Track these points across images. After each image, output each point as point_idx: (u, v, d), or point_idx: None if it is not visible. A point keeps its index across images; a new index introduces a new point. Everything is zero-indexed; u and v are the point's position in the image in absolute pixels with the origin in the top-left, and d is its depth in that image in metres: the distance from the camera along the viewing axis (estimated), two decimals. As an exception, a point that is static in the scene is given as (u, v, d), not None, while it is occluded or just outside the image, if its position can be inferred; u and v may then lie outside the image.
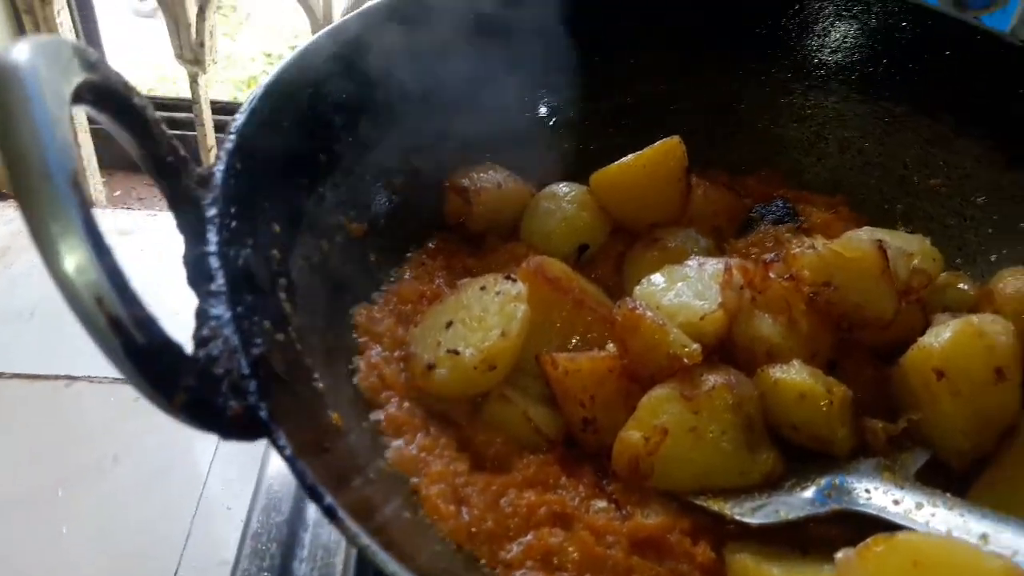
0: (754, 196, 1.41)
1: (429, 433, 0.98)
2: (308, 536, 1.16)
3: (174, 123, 3.15)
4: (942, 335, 0.98)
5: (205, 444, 2.00)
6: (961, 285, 1.23)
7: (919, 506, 0.88)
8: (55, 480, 1.93)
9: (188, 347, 0.69)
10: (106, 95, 0.71)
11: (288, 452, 0.67)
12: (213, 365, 0.68)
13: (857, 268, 1.02)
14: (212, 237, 0.78)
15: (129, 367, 0.58)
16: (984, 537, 0.83)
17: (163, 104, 3.28)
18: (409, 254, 1.23)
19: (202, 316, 0.73)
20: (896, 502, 0.90)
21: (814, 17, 1.39)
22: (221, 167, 0.84)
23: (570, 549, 0.90)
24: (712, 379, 0.96)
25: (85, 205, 0.56)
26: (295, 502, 1.18)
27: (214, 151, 2.37)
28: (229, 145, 0.87)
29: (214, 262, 0.76)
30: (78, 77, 0.66)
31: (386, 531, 0.78)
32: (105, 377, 2.03)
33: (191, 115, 2.69)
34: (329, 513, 0.65)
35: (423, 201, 1.24)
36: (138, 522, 1.84)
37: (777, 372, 0.97)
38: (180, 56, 2.29)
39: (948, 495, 0.90)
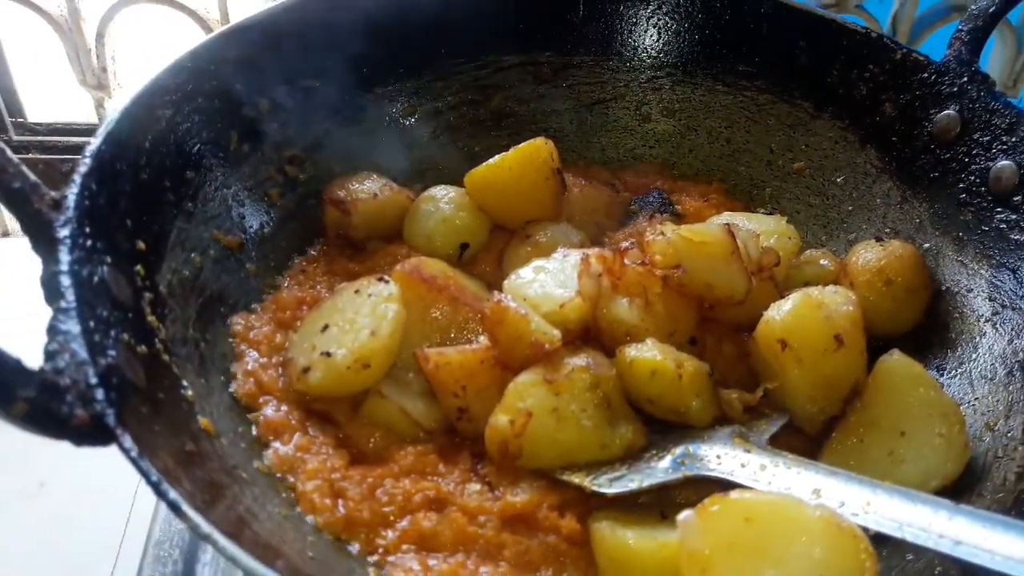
0: (633, 189, 1.48)
1: (307, 433, 1.02)
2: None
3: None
4: (784, 308, 1.05)
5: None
6: (823, 261, 1.31)
7: (763, 468, 0.95)
8: (-22, 510, 1.89)
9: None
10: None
11: (133, 453, 0.70)
12: (59, 376, 0.72)
13: (706, 251, 1.08)
14: (63, 257, 0.81)
15: (-42, 382, 0.61)
16: (816, 491, 0.90)
17: (80, 130, 3.25)
18: (292, 261, 1.26)
19: (52, 331, 0.76)
20: (743, 465, 0.96)
21: (672, 16, 1.46)
22: (74, 190, 0.87)
23: (443, 531, 0.95)
24: (572, 362, 1.01)
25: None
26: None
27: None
28: (83, 168, 0.90)
29: (65, 280, 0.79)
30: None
31: (251, 526, 0.82)
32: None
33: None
34: (172, 506, 0.69)
35: (303, 210, 1.28)
36: (66, 546, 1.84)
37: (632, 351, 1.03)
38: (83, 82, 2.29)
39: (789, 456, 0.96)
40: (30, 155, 3.17)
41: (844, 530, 0.81)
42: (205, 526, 0.67)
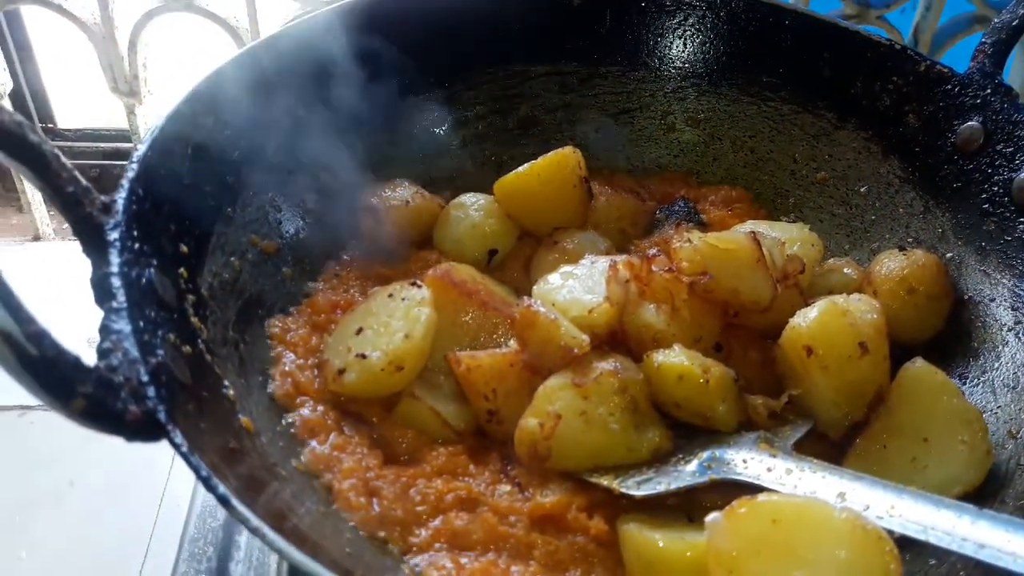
0: (658, 198, 1.50)
1: (343, 433, 1.05)
2: (243, 539, 1.21)
3: (120, 154, 3.18)
4: (809, 315, 1.07)
5: (160, 464, 2.05)
6: (846, 270, 1.32)
7: (788, 472, 0.97)
8: (13, 507, 1.96)
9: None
10: (2, 136, 0.77)
11: (184, 448, 0.73)
12: (113, 374, 0.75)
13: (732, 258, 1.11)
14: (114, 259, 0.84)
15: (24, 376, 0.64)
16: (841, 495, 0.91)
17: (109, 136, 3.31)
18: (327, 266, 1.29)
19: (104, 331, 0.79)
20: (769, 469, 0.98)
21: (697, 28, 1.48)
22: (123, 194, 0.90)
23: (475, 530, 0.97)
24: (600, 367, 1.04)
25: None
26: (229, 510, 1.24)
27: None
28: (131, 173, 0.93)
29: (115, 281, 0.82)
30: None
31: (291, 521, 0.85)
32: (53, 405, 2.03)
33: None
34: (223, 501, 0.71)
35: (337, 216, 1.31)
36: (97, 543, 1.87)
37: (659, 356, 1.05)
38: (115, 89, 2.33)
39: (814, 460, 0.98)
40: (60, 160, 3.20)
41: (869, 532, 0.82)
42: (255, 520, 0.70)
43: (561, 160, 1.29)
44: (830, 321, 1.06)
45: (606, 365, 1.04)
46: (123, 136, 3.15)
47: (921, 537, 0.84)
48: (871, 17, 2.22)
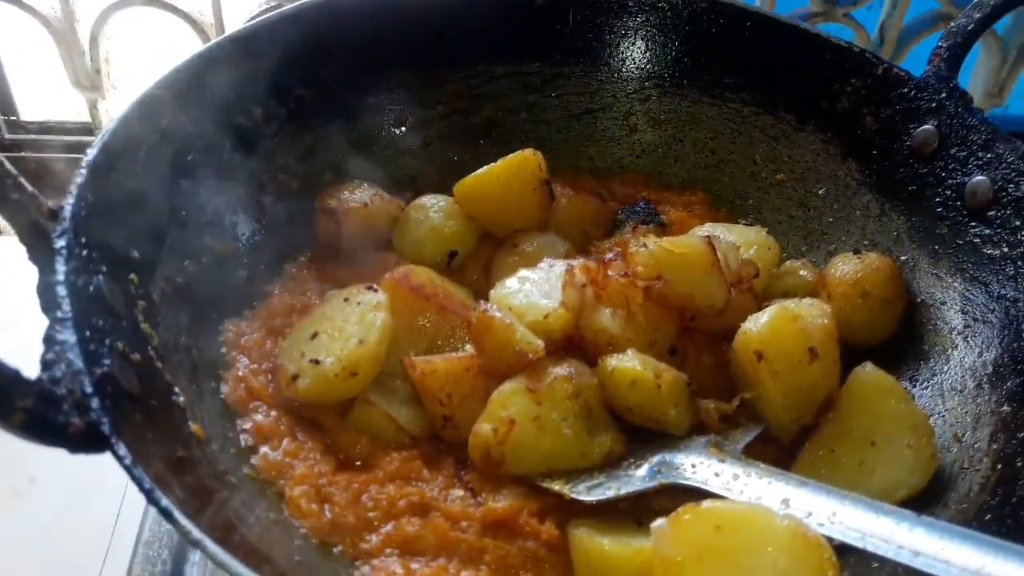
0: (620, 198, 1.51)
1: (296, 439, 1.05)
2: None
3: (83, 147, 3.13)
4: (760, 320, 1.08)
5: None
6: (802, 272, 1.34)
7: (735, 477, 0.98)
8: (-27, 504, 1.90)
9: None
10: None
11: (127, 461, 0.73)
12: (55, 386, 0.74)
13: (686, 263, 1.12)
14: (60, 267, 0.84)
15: (-44, 394, 0.64)
16: (785, 501, 0.93)
17: (72, 129, 3.26)
18: (284, 268, 1.29)
19: (48, 341, 0.79)
20: (717, 474, 0.99)
21: (659, 29, 1.48)
22: (71, 200, 0.90)
23: (426, 535, 0.98)
24: (554, 372, 1.05)
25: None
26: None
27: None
28: (79, 179, 0.93)
29: (61, 290, 0.82)
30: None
31: (239, 531, 0.85)
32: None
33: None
34: (165, 513, 0.71)
35: (295, 218, 1.30)
36: (58, 540, 1.87)
37: (613, 361, 1.06)
38: (76, 84, 2.30)
39: (761, 466, 0.99)
40: (22, 153, 3.18)
41: (809, 540, 0.84)
42: (196, 532, 0.70)
43: (521, 162, 1.29)
44: (780, 326, 1.07)
45: (560, 370, 1.05)
46: (87, 129, 3.11)
47: (859, 544, 0.85)
48: (837, 15, 2.24)
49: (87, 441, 0.74)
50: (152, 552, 1.18)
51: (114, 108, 2.55)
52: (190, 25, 2.17)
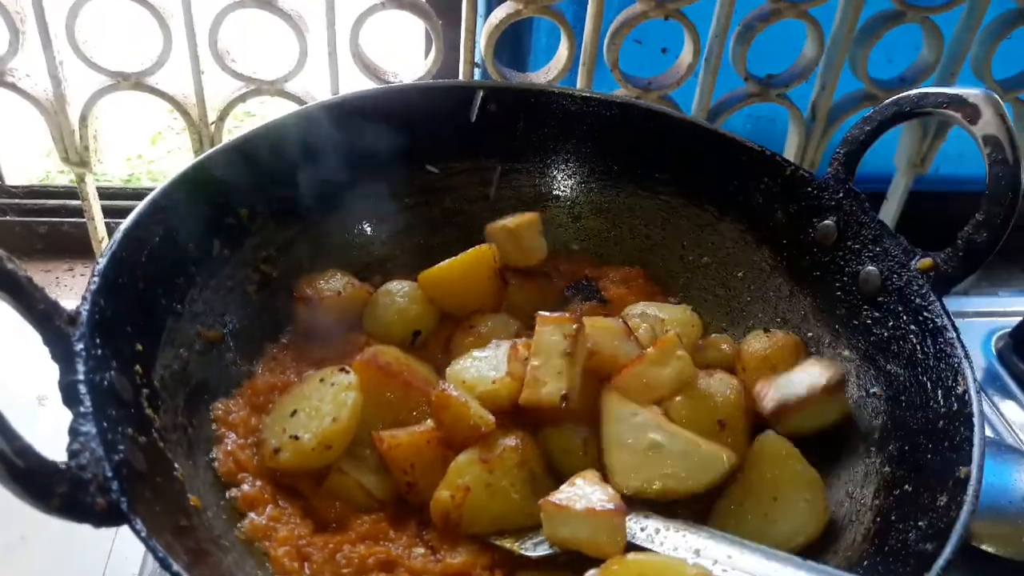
0: (567, 277, 1.70)
1: (278, 505, 1.21)
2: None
3: (69, 210, 3.26)
4: (676, 398, 1.27)
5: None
6: (723, 346, 1.53)
7: (657, 531, 1.15)
8: (-34, 563, 2.01)
9: (61, 458, 0.90)
10: (-13, 270, 0.92)
11: (143, 535, 0.88)
12: (82, 471, 0.90)
13: (605, 330, 1.33)
14: (80, 367, 0.99)
15: (13, 486, 0.79)
16: (697, 551, 1.10)
17: (57, 193, 3.38)
18: (265, 349, 1.45)
19: (74, 433, 0.94)
20: (643, 529, 1.16)
21: (599, 131, 1.69)
22: (86, 307, 1.06)
23: (392, 589, 1.14)
24: (503, 443, 1.22)
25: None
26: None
27: (105, 241, 2.54)
28: (93, 286, 1.08)
29: (82, 388, 0.97)
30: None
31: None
32: (2, 468, 2.13)
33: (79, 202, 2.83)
34: (175, 577, 0.87)
35: (276, 303, 1.47)
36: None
37: (548, 431, 1.24)
38: (66, 160, 2.45)
39: (679, 521, 1.17)
40: (8, 218, 3.32)
41: (713, 586, 1.02)
42: (203, 595, 0.86)
43: (478, 256, 1.48)
44: (693, 402, 1.26)
45: (508, 441, 1.22)
46: (70, 193, 3.25)
47: None
48: (772, 95, 2.48)
49: (110, 517, 0.89)
50: (147, 610, 1.31)
51: (99, 180, 2.70)
52: (175, 108, 2.34)
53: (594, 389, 1.31)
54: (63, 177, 3.84)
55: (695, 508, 1.26)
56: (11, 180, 3.37)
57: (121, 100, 2.52)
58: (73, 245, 3.19)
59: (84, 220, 2.93)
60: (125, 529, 2.40)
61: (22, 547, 2.09)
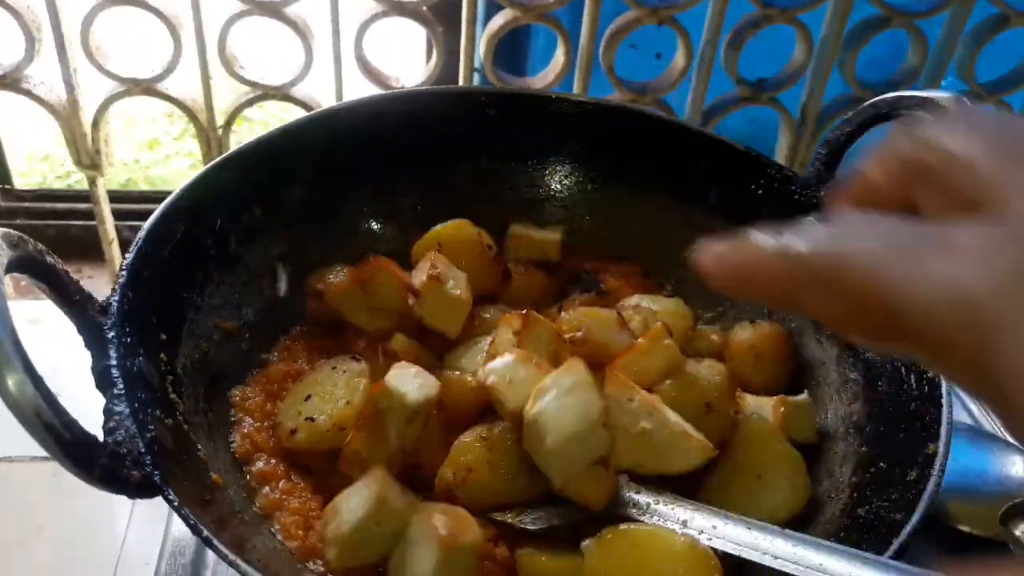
0: (566, 270, 1.78)
1: (291, 480, 1.29)
2: (209, 573, 1.43)
3: (78, 213, 3.34)
4: (666, 382, 1.35)
5: (121, 510, 2.25)
6: (713, 336, 1.61)
7: (648, 505, 1.24)
8: (-15, 550, 2.10)
9: (99, 435, 0.98)
10: (27, 263, 1.00)
11: (176, 503, 0.97)
12: (119, 447, 0.98)
13: (599, 320, 1.41)
14: (112, 353, 1.08)
15: (61, 457, 0.88)
16: (684, 522, 1.18)
17: (67, 196, 3.47)
18: (279, 339, 1.53)
19: (108, 413, 1.02)
20: (634, 505, 1.25)
21: (593, 134, 1.77)
22: (116, 298, 1.14)
23: (400, 561, 1.22)
24: (501, 424, 1.30)
25: (23, 354, 0.86)
26: (197, 548, 1.46)
27: (115, 243, 2.62)
28: (122, 280, 1.17)
29: (115, 372, 1.06)
30: (6, 257, 0.96)
31: (252, 553, 1.08)
32: (23, 456, 2.25)
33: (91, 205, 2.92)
34: (207, 542, 0.95)
35: (288, 296, 1.55)
36: (69, 576, 2.00)
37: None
38: (78, 163, 2.54)
39: (668, 494, 1.25)
40: (17, 221, 3.41)
41: (699, 552, 1.10)
42: (231, 555, 0.94)
43: (459, 226, 1.59)
44: (682, 387, 1.34)
45: (506, 423, 1.30)
46: (80, 197, 3.33)
47: (735, 552, 1.11)
48: (763, 98, 2.56)
49: (144, 489, 0.97)
50: (169, 585, 1.40)
51: (110, 182, 2.78)
52: (184, 112, 2.43)
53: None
54: (59, 182, 3.94)
55: (684, 485, 1.34)
56: (20, 184, 3.44)
57: (122, 107, 2.60)
58: (81, 248, 3.27)
59: (92, 223, 3.02)
60: (138, 519, 2.49)
61: (38, 538, 2.18)
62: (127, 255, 1.22)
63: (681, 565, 1.09)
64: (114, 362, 1.06)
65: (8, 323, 0.87)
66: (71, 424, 0.89)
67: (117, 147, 2.70)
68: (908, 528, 1.07)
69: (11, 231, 1.00)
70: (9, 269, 0.96)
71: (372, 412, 1.23)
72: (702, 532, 1.16)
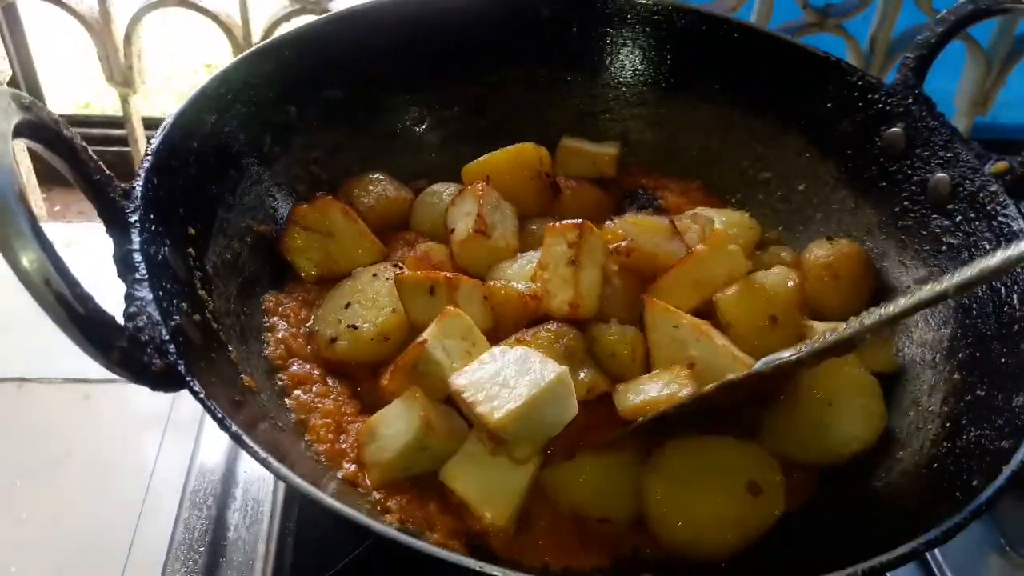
0: (621, 187, 1.65)
1: (327, 383, 1.20)
2: (240, 490, 1.35)
3: (111, 139, 3.28)
4: (729, 290, 1.23)
5: (152, 434, 2.17)
6: (783, 254, 1.48)
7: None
8: (14, 472, 2.08)
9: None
10: (40, 130, 0.90)
11: (202, 394, 0.87)
12: (140, 333, 0.89)
13: (648, 228, 1.29)
14: (135, 237, 0.98)
15: (73, 331, 0.78)
16: None
17: (98, 122, 3.40)
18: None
19: (129, 298, 0.93)
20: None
21: (655, 39, 1.63)
22: (140, 182, 1.04)
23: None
24: (541, 327, 1.19)
25: (31, 214, 0.76)
26: (227, 463, 1.38)
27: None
28: (147, 164, 1.07)
29: (137, 256, 0.96)
30: (16, 117, 0.85)
31: (279, 451, 0.99)
32: (55, 378, 2.19)
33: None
34: (235, 438, 0.86)
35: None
36: (93, 504, 1.98)
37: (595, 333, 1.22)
38: (111, 79, 2.45)
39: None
40: (52, 146, 3.30)
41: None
42: (262, 452, 0.85)
43: (520, 151, 1.46)
44: (745, 295, 1.21)
45: (548, 325, 1.19)
46: (112, 122, 3.26)
47: None
48: (830, 25, 2.39)
49: (167, 380, 0.88)
50: (198, 499, 1.32)
51: (144, 102, 2.69)
52: (218, 25, 2.32)
53: (637, 288, 1.27)
54: (104, 105, 3.85)
55: (744, 417, 1.22)
56: (54, 109, 3.37)
57: (166, 20, 2.49)
58: (116, 174, 3.19)
59: (127, 149, 2.94)
60: (168, 443, 2.40)
61: (69, 461, 2.12)
62: (152, 141, 1.12)
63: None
64: (136, 247, 0.97)
65: (13, 184, 0.77)
66: (85, 298, 0.79)
67: (156, 97, 2.61)
68: (1020, 455, 0.94)
69: (23, 93, 0.90)
70: (20, 133, 0.86)
71: (411, 367, 1.14)
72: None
